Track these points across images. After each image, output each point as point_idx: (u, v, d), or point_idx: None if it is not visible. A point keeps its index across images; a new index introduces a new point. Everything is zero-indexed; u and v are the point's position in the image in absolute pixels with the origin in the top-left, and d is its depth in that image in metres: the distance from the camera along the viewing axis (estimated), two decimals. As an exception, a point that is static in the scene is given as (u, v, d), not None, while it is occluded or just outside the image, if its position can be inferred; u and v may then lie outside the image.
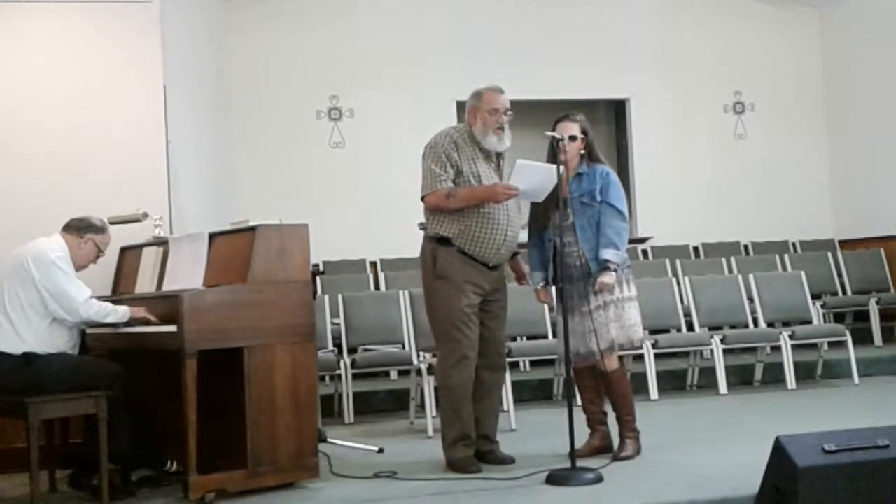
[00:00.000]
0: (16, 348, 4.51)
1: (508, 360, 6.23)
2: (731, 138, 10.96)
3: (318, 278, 6.55)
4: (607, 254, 4.80)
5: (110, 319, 4.61)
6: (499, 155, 5.00)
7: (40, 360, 4.50)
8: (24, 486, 4.47)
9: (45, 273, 4.53)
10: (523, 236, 5.12)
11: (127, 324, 4.63)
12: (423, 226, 5.05)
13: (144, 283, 5.10)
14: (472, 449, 4.87)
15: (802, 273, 8.03)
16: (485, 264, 4.87)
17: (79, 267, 4.77)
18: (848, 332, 7.44)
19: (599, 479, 4.43)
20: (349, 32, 10.22)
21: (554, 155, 4.85)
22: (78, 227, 4.77)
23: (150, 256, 5.16)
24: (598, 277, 4.80)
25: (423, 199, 4.91)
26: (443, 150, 4.84)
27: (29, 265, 4.55)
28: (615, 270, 4.82)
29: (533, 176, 4.76)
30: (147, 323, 4.62)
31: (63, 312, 4.54)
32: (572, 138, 4.86)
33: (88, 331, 4.81)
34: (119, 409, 4.51)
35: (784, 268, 9.00)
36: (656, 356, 7.10)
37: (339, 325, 7.01)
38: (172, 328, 4.33)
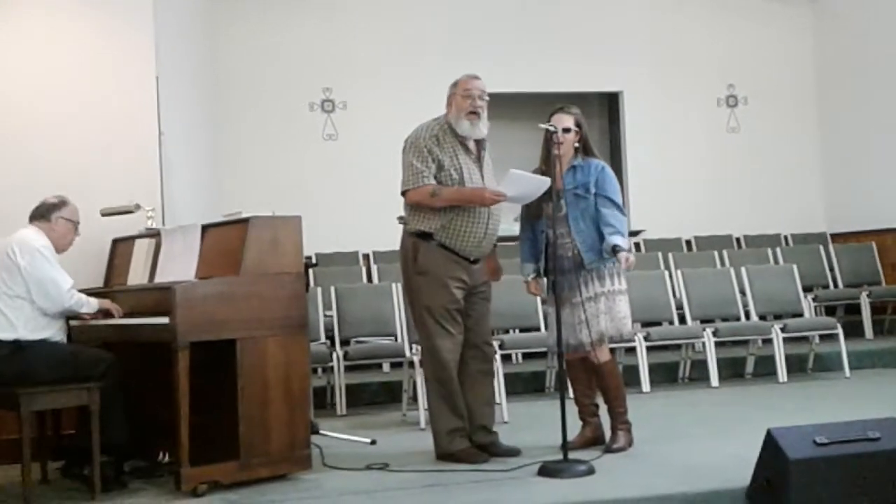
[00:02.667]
0: (7, 335, 4.52)
1: (501, 352, 6.27)
2: (723, 132, 10.98)
3: (310, 270, 6.56)
4: (616, 239, 4.79)
5: (84, 310, 4.69)
6: (479, 146, 4.97)
7: (32, 348, 4.51)
8: (16, 478, 4.46)
9: (31, 261, 4.55)
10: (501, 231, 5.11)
11: (95, 315, 4.72)
12: (402, 220, 5.04)
13: (137, 275, 5.09)
14: (468, 441, 4.87)
15: (794, 266, 8.06)
16: (466, 258, 4.87)
17: (62, 248, 4.78)
18: (839, 326, 7.46)
19: (591, 471, 4.44)
20: (342, 24, 10.21)
21: (548, 148, 4.86)
22: (42, 214, 4.77)
23: (142, 248, 5.15)
24: (620, 254, 4.75)
25: (403, 193, 4.88)
26: (424, 145, 4.82)
27: (15, 254, 4.56)
28: (628, 251, 4.82)
29: (524, 185, 4.78)
30: (109, 315, 4.72)
31: (46, 300, 4.55)
32: (566, 130, 4.87)
33: (77, 322, 4.81)
34: (113, 397, 4.51)
35: (776, 261, 9.02)
36: (648, 349, 7.10)
37: (331, 317, 7.00)
38: (165, 320, 4.32)
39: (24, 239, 4.63)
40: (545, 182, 4.75)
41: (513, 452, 4.89)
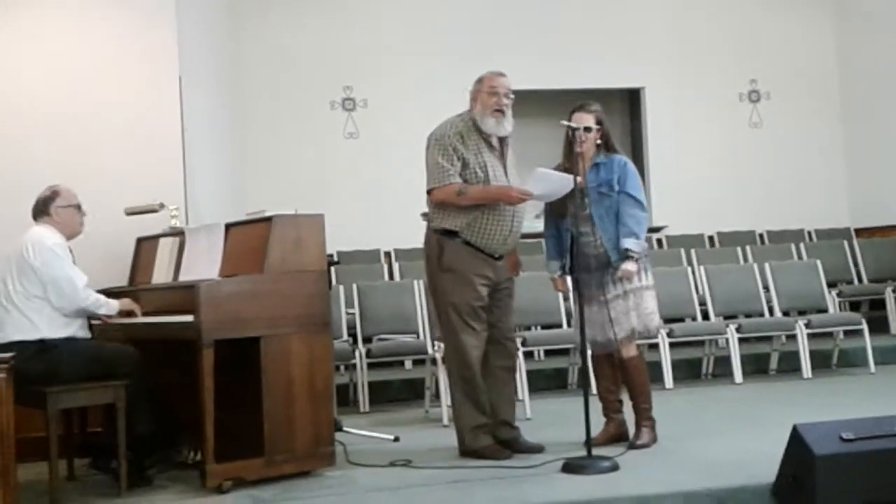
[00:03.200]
0: (31, 335, 4.55)
1: (523, 349, 6.26)
2: (746, 127, 10.93)
3: (332, 268, 6.58)
4: (628, 243, 4.80)
5: (103, 311, 4.70)
6: (503, 143, 4.95)
7: (57, 348, 4.54)
8: (43, 475, 4.50)
9: (45, 260, 4.57)
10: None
11: (115, 317, 4.75)
12: (426, 216, 5.05)
13: (161, 274, 5.13)
14: (493, 439, 4.87)
15: (818, 261, 8.01)
16: (491, 255, 4.87)
17: (74, 234, 4.80)
18: (864, 321, 7.41)
19: (616, 468, 4.43)
20: (363, 22, 10.23)
21: (570, 145, 4.85)
22: (41, 211, 4.77)
23: (166, 247, 5.18)
24: (621, 265, 4.80)
25: (429, 192, 4.87)
26: (449, 143, 4.80)
27: (29, 254, 4.58)
28: (637, 259, 4.82)
29: (549, 183, 4.79)
30: (132, 315, 4.75)
31: (62, 300, 4.57)
32: (587, 129, 4.86)
33: (98, 322, 4.84)
34: (138, 394, 4.54)
35: (799, 256, 8.96)
36: (671, 345, 7.08)
37: (353, 314, 7.03)
38: (189, 318, 4.34)
39: (37, 238, 4.64)
40: (570, 180, 4.74)
41: (536, 449, 4.88)
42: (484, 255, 4.84)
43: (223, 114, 8.76)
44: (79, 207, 4.85)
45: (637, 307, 4.88)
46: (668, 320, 7.35)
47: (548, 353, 7.73)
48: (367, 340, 6.92)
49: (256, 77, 9.91)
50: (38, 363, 4.47)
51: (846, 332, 7.69)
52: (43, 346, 4.54)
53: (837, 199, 10.80)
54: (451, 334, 4.89)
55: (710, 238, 10.16)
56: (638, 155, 10.87)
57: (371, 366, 6.72)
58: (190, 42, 6.49)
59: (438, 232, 4.90)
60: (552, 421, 5.81)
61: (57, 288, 4.57)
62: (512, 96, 4.89)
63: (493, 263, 4.88)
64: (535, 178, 4.75)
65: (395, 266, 8.87)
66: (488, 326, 4.91)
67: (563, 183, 4.77)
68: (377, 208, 9.82)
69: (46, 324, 4.57)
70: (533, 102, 9.43)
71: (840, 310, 8.40)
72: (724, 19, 10.88)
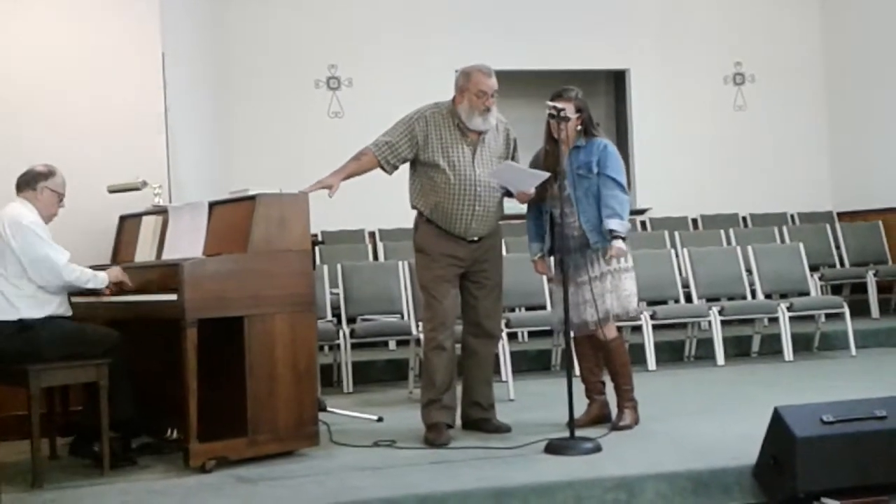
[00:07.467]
0: (9, 315, 4.49)
1: (508, 330, 6.27)
2: (730, 109, 10.91)
3: (316, 248, 6.56)
4: (612, 223, 4.80)
5: (90, 285, 4.63)
6: (479, 132, 4.95)
7: (37, 328, 4.49)
8: (24, 454, 4.48)
9: (23, 240, 4.49)
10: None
11: (108, 289, 4.69)
12: None
13: (144, 252, 5.10)
14: (446, 415, 4.87)
15: (801, 245, 8.05)
16: (461, 237, 4.89)
17: (45, 218, 4.67)
18: (845, 304, 7.46)
19: (598, 449, 4.46)
20: (349, 0, 10.15)
21: (550, 129, 4.86)
22: (28, 183, 4.68)
23: (149, 225, 5.15)
24: (612, 244, 4.79)
25: None
26: (407, 124, 4.99)
27: (6, 234, 4.51)
28: (625, 238, 4.83)
29: (514, 177, 4.84)
30: (122, 286, 4.70)
31: (45, 278, 4.50)
32: (566, 119, 4.81)
33: (83, 299, 4.80)
34: (119, 376, 4.51)
35: (782, 240, 9.01)
36: (654, 327, 7.11)
37: (338, 295, 7.02)
38: (172, 297, 4.33)
39: (14, 217, 4.54)
40: (540, 176, 4.77)
41: (504, 429, 4.95)
42: (453, 237, 4.88)
43: (206, 91, 8.70)
44: (61, 198, 4.76)
45: (615, 289, 4.88)
46: (650, 302, 7.41)
47: (531, 334, 7.75)
48: (350, 321, 6.91)
49: (240, 55, 9.81)
50: (17, 343, 4.43)
51: (828, 316, 7.73)
52: (22, 325, 4.49)
53: (820, 182, 10.82)
54: (422, 310, 5.03)
55: (694, 221, 10.18)
56: (622, 137, 10.86)
57: (355, 346, 6.72)
58: (173, 19, 6.44)
59: (417, 212, 5.00)
60: (535, 402, 5.83)
61: (37, 267, 4.50)
62: (496, 95, 4.88)
63: (465, 245, 4.90)
64: (497, 171, 4.83)
65: (380, 246, 8.85)
66: (468, 308, 4.96)
67: (531, 176, 4.80)
68: (362, 188, 9.63)
69: (25, 303, 4.50)
70: (516, 83, 9.40)
71: (822, 293, 8.43)
72: (709, 1, 10.86)
